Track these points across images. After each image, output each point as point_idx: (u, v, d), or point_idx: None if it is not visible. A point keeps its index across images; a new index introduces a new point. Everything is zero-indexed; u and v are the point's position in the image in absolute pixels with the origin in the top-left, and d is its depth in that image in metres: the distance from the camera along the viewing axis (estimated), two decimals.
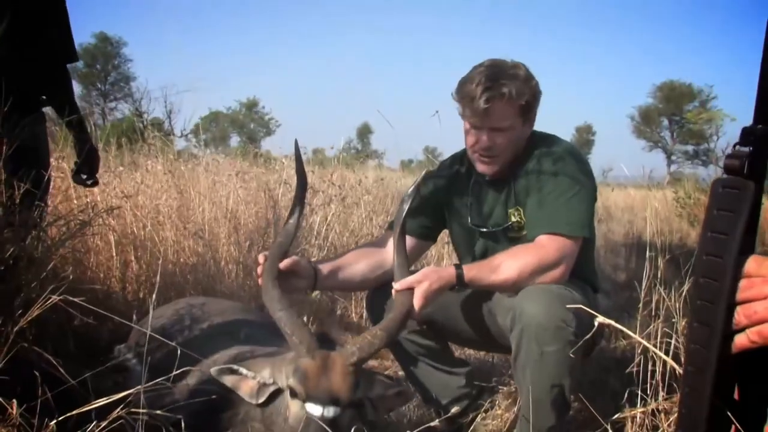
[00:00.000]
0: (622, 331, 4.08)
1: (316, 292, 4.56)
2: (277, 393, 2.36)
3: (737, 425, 1.03)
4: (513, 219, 2.94)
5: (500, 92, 2.71)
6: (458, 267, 2.64)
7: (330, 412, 2.16)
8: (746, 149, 0.96)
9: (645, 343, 1.76)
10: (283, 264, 2.60)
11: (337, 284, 3.06)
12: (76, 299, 2.25)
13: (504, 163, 2.89)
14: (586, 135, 74.97)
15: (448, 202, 3.16)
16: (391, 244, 2.84)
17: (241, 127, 66.21)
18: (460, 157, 3.16)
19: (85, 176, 3.60)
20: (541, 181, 2.83)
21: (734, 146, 0.97)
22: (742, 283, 0.95)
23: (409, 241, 2.93)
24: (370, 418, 2.28)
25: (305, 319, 4.56)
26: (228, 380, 2.37)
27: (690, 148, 65.68)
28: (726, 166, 0.97)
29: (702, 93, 64.41)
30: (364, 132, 66.19)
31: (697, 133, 60.83)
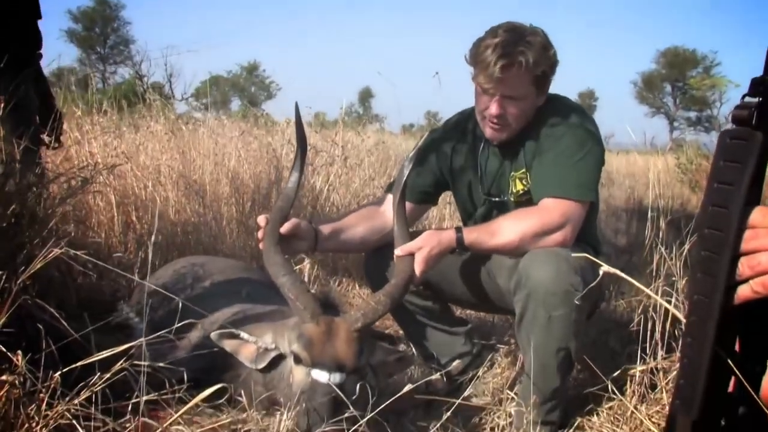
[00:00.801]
0: (621, 292, 4.16)
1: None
2: (279, 358, 2.38)
3: (739, 376, 1.04)
4: (519, 186, 2.92)
5: (516, 60, 2.63)
6: (458, 230, 2.63)
7: (336, 378, 2.19)
8: (755, 100, 0.95)
9: (649, 291, 1.77)
10: (284, 228, 2.59)
11: (338, 246, 3.06)
12: (78, 252, 2.26)
13: (514, 131, 2.83)
14: (588, 101, 74.38)
15: (452, 165, 3.10)
16: (390, 207, 2.83)
17: (242, 91, 65.78)
18: (468, 116, 3.08)
19: (49, 139, 3.60)
20: (548, 143, 2.79)
21: (743, 97, 0.97)
22: (747, 233, 0.95)
23: (408, 206, 2.90)
24: (371, 384, 2.28)
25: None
26: (228, 344, 2.39)
27: (692, 114, 65.36)
28: (734, 116, 0.96)
29: (706, 59, 63.98)
30: (366, 96, 65.70)
31: (700, 100, 60.39)
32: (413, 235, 2.64)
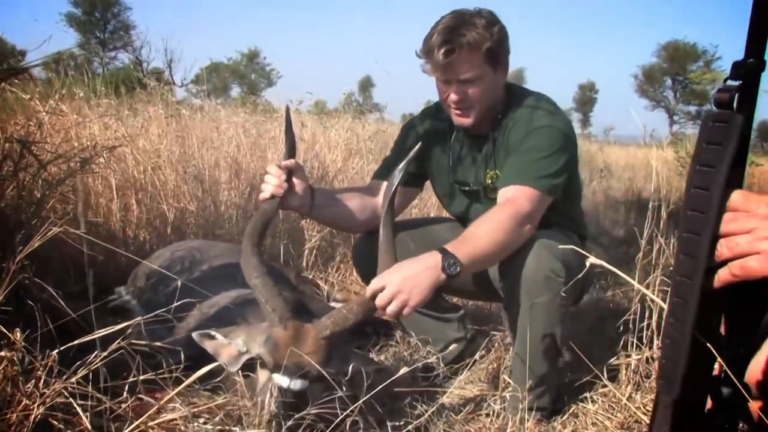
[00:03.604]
0: (619, 282, 4.17)
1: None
2: (254, 361, 2.34)
3: (717, 357, 1.06)
4: (489, 181, 2.93)
5: (458, 43, 2.63)
6: (449, 267, 2.32)
7: (297, 384, 2.17)
8: (736, 83, 0.97)
9: (635, 283, 1.77)
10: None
11: (328, 216, 3.00)
12: (77, 231, 2.27)
13: (480, 113, 2.82)
14: (588, 93, 74.64)
15: (429, 154, 3.11)
16: (380, 193, 2.86)
17: (242, 78, 65.65)
18: (442, 107, 3.04)
19: None
20: (517, 144, 2.77)
21: (725, 80, 0.99)
22: (727, 216, 0.97)
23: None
24: (346, 393, 2.21)
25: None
26: (208, 345, 2.36)
27: (693, 108, 65.39)
28: (716, 99, 0.98)
29: (706, 53, 64.04)
30: (366, 85, 65.55)
31: (700, 94, 60.41)
32: (408, 225, 2.58)
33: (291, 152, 2.70)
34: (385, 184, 2.77)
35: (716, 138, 0.96)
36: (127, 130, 5.01)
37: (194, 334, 2.35)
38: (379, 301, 2.26)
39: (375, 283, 2.29)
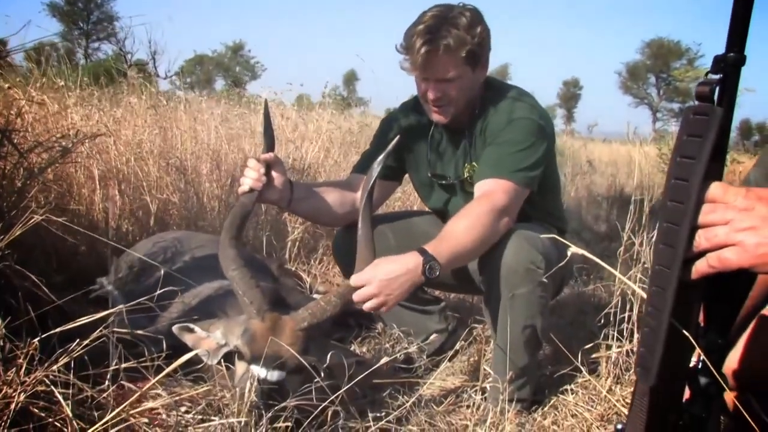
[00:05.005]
0: (600, 276, 4.20)
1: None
2: (233, 355, 2.35)
3: (696, 346, 1.08)
4: (467, 174, 2.93)
5: (438, 45, 2.61)
6: (424, 254, 2.35)
7: (274, 375, 2.18)
8: (716, 77, 0.99)
9: (617, 274, 1.78)
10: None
11: (307, 210, 2.98)
12: (59, 219, 2.26)
13: (457, 110, 2.82)
14: (572, 89, 75.03)
15: (407, 147, 3.09)
16: (359, 187, 2.84)
17: (227, 71, 65.31)
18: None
19: None
20: (494, 136, 2.77)
21: (706, 74, 1.00)
22: (706, 207, 0.98)
23: None
24: (326, 383, 2.23)
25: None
26: (188, 339, 2.36)
27: (676, 105, 65.91)
28: (697, 93, 1.00)
29: (690, 51, 64.62)
30: (350, 79, 65.46)
31: (683, 91, 60.93)
32: (388, 218, 2.57)
33: (270, 146, 2.69)
34: (364, 177, 2.77)
35: (696, 130, 0.97)
36: (108, 120, 4.97)
37: (174, 328, 2.35)
38: (358, 297, 2.29)
39: (356, 281, 2.31)
